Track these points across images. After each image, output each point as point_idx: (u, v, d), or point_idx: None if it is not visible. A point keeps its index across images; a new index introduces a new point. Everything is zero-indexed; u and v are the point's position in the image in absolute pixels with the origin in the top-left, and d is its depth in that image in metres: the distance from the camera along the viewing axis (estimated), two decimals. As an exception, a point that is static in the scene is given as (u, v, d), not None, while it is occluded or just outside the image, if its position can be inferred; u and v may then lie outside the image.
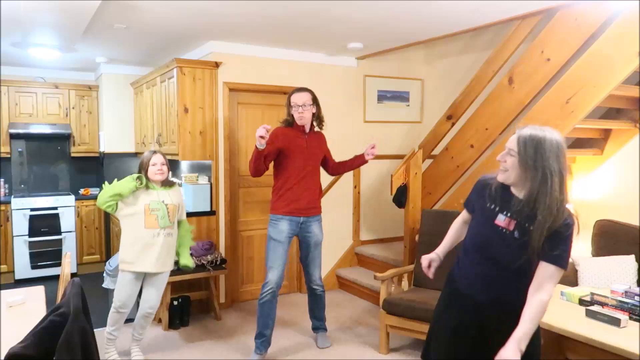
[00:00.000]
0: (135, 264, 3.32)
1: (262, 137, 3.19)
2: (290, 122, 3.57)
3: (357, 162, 3.84)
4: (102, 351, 3.50)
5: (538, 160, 1.78)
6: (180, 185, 4.99)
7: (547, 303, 1.84)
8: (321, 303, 3.85)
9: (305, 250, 3.70)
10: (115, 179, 3.40)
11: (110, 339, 3.47)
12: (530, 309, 1.83)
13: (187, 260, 3.57)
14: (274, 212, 3.58)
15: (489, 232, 1.98)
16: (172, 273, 3.65)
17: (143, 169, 3.38)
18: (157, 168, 3.36)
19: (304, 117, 3.52)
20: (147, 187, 3.37)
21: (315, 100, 3.58)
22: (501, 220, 1.95)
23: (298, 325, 4.25)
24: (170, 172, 3.52)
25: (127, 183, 3.27)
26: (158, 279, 3.44)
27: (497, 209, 1.97)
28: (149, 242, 3.31)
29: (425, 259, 2.31)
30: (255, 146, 3.29)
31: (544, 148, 1.78)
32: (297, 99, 3.51)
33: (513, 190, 1.94)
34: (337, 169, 3.90)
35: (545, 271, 1.85)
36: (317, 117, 3.64)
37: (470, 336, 2.04)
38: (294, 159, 3.52)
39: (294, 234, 3.61)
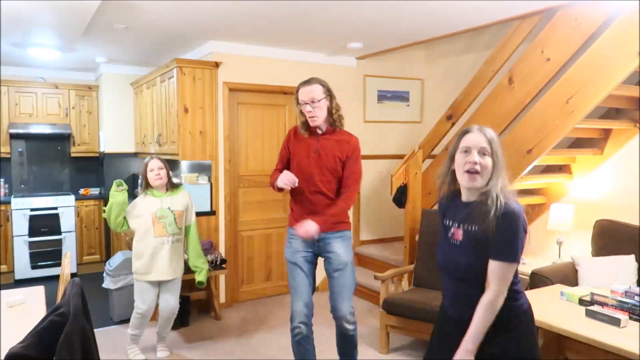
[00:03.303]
0: (148, 274, 3.38)
1: (284, 187, 2.76)
2: (305, 123, 2.86)
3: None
4: (123, 350, 3.56)
5: (500, 155, 1.82)
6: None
7: (494, 302, 1.73)
8: (351, 343, 2.99)
9: (327, 275, 2.95)
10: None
11: (134, 340, 3.52)
12: (476, 311, 1.76)
13: (202, 277, 3.60)
14: (290, 226, 2.98)
15: (447, 248, 1.91)
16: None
17: (143, 177, 3.42)
18: (154, 174, 3.38)
19: (317, 117, 2.78)
20: (152, 194, 3.40)
21: (329, 92, 2.83)
22: (452, 232, 1.90)
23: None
24: (170, 174, 3.50)
25: (112, 197, 3.35)
26: (172, 284, 3.50)
27: (449, 222, 1.93)
28: (158, 250, 3.36)
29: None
30: (276, 185, 2.82)
31: (498, 142, 1.84)
32: (303, 94, 2.79)
33: (463, 196, 1.90)
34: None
35: (490, 268, 1.75)
36: (330, 113, 2.83)
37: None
38: (300, 165, 2.87)
39: (314, 252, 2.92)
